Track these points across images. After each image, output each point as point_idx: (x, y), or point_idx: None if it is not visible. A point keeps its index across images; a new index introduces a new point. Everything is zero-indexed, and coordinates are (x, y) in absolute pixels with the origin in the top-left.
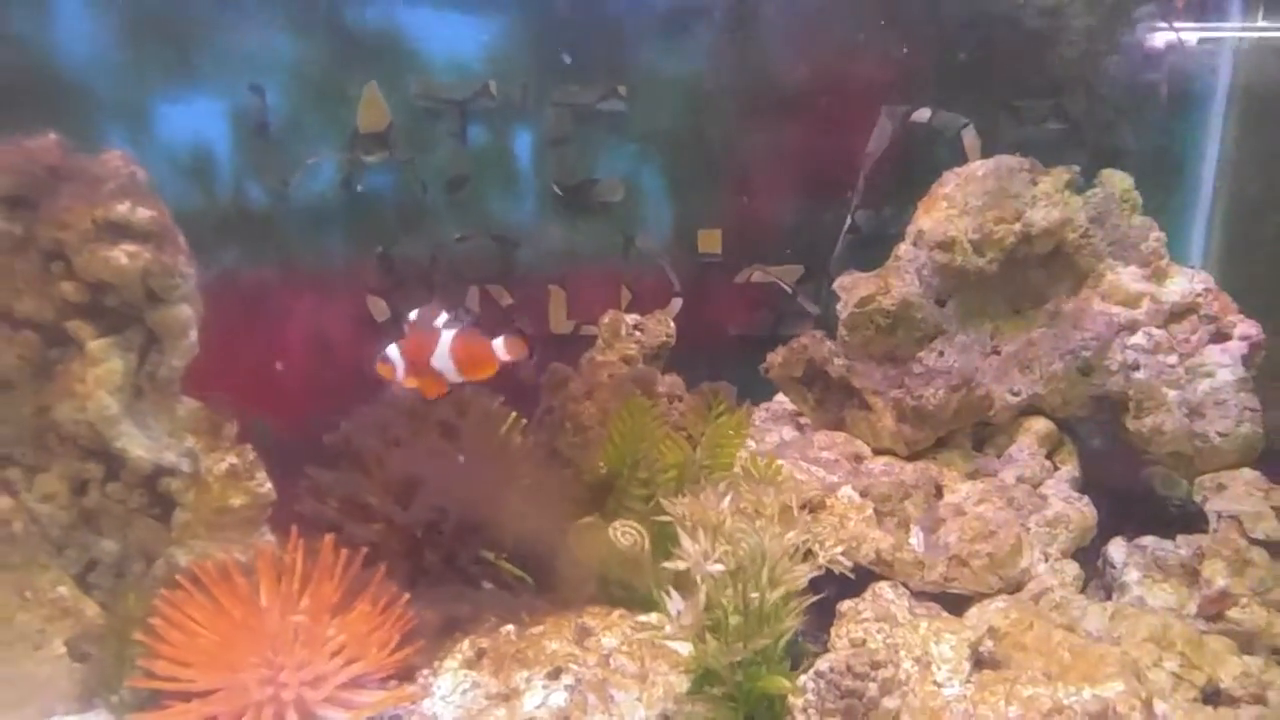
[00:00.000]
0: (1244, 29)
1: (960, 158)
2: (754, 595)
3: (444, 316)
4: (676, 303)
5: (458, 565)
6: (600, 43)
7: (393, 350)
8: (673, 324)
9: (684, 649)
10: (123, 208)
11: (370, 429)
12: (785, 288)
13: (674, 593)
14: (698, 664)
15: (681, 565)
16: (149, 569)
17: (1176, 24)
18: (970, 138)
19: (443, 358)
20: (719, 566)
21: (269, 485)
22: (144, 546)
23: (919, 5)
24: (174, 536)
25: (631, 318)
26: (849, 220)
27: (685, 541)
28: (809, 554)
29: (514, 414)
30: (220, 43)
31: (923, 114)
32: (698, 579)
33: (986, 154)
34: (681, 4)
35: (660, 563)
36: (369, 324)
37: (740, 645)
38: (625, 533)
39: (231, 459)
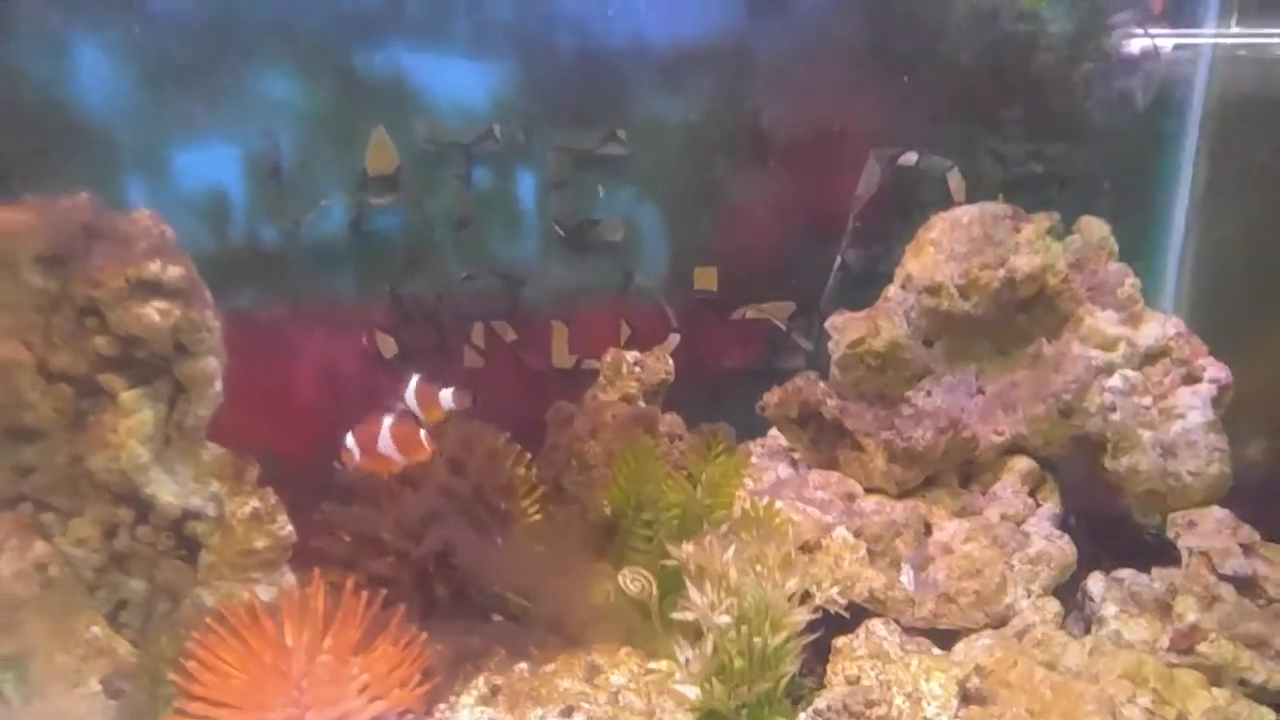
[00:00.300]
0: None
1: (946, 199)
2: (757, 640)
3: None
4: (674, 338)
5: (466, 598)
6: (600, 90)
7: (349, 439)
8: (671, 362)
9: (692, 692)
10: (154, 267)
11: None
12: (778, 324)
13: (682, 641)
14: (704, 705)
15: (690, 616)
16: (175, 608)
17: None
18: (955, 180)
19: (385, 443)
20: (725, 619)
21: (290, 528)
22: (171, 587)
23: (904, 56)
24: (200, 577)
25: (632, 355)
26: (839, 259)
27: (693, 594)
28: (806, 595)
29: (520, 450)
30: (234, 90)
31: (910, 157)
32: (704, 628)
33: (970, 195)
34: (679, 54)
35: (666, 605)
36: (378, 360)
37: (745, 689)
38: (634, 579)
39: (254, 503)
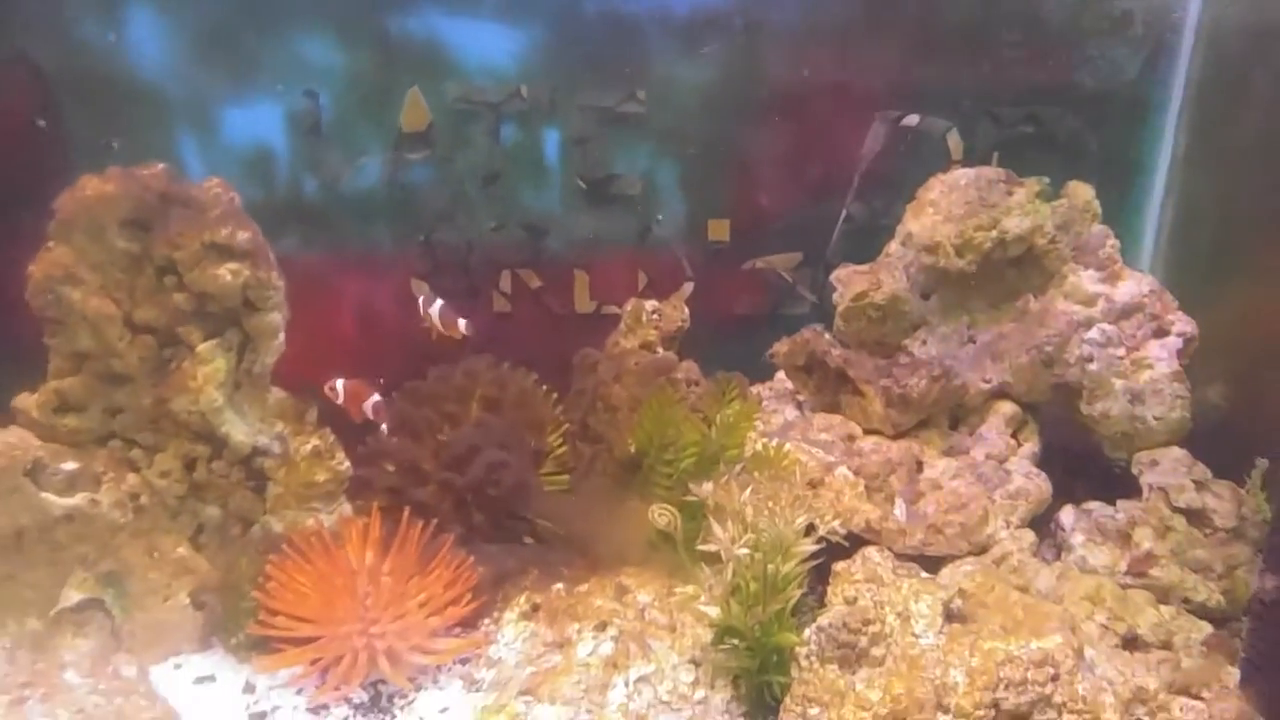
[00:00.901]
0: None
1: (945, 157)
2: (770, 567)
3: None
4: (688, 286)
5: (500, 524)
6: (621, 51)
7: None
8: (686, 310)
9: (713, 611)
10: (226, 231)
11: (420, 401)
12: (785, 275)
13: (705, 568)
14: (723, 621)
15: (713, 548)
16: (246, 533)
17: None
18: (954, 139)
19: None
20: (744, 550)
21: (346, 463)
22: (242, 514)
23: (910, 23)
24: (268, 507)
25: (651, 304)
26: (844, 213)
27: (716, 529)
28: (811, 527)
29: (546, 390)
30: (278, 53)
31: (912, 119)
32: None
33: (968, 153)
34: (696, 17)
35: (686, 534)
36: (412, 304)
37: (759, 609)
38: (661, 513)
39: (315, 441)
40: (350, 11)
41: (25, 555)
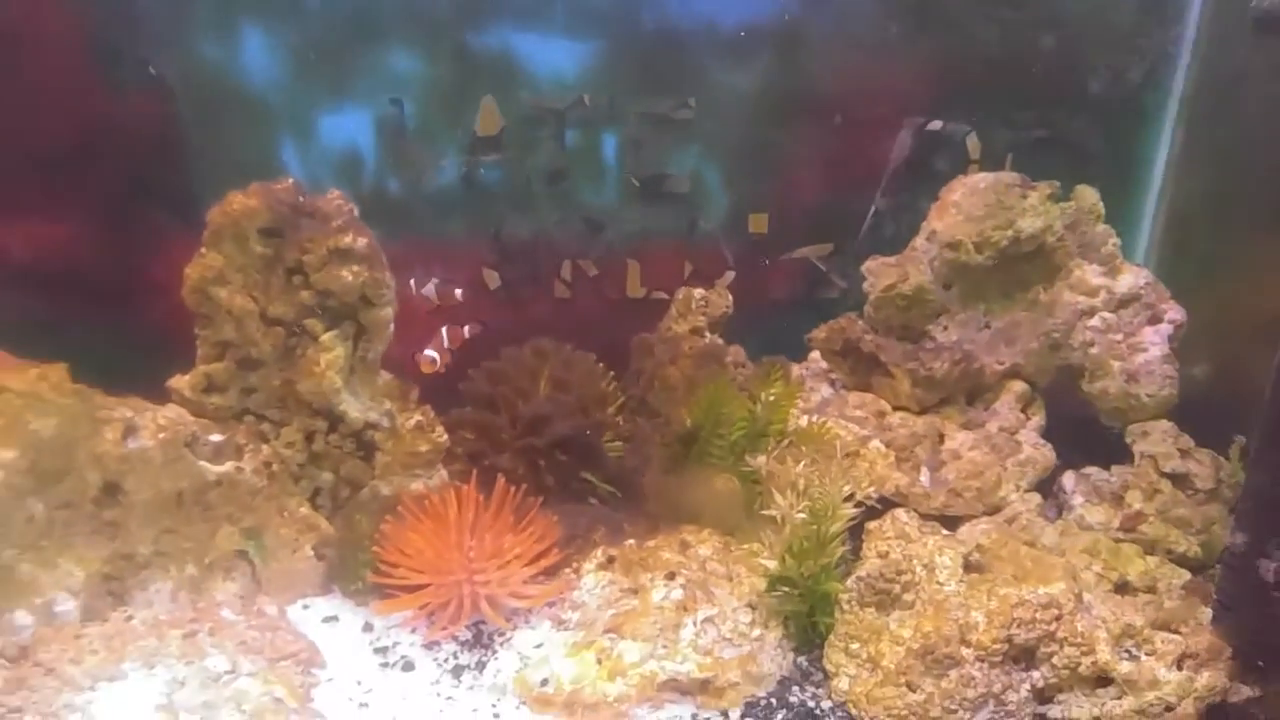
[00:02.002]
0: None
1: (964, 158)
2: (819, 528)
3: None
4: (730, 274)
5: (568, 486)
6: (673, 63)
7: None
8: (730, 297)
9: (771, 564)
10: (348, 239)
11: (495, 378)
12: (818, 264)
13: (764, 529)
14: (779, 573)
15: (774, 513)
16: (354, 495)
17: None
18: (972, 142)
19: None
20: (801, 515)
21: (445, 435)
22: (352, 479)
23: (933, 37)
24: (377, 473)
25: (699, 293)
26: (873, 208)
27: (777, 497)
28: (850, 494)
29: (605, 368)
30: (367, 65)
31: (935, 124)
32: (781, 520)
33: (985, 155)
34: (740, 34)
35: (748, 502)
36: (484, 290)
37: (811, 563)
38: (725, 481)
39: (418, 416)
40: (432, 28)
41: (184, 512)
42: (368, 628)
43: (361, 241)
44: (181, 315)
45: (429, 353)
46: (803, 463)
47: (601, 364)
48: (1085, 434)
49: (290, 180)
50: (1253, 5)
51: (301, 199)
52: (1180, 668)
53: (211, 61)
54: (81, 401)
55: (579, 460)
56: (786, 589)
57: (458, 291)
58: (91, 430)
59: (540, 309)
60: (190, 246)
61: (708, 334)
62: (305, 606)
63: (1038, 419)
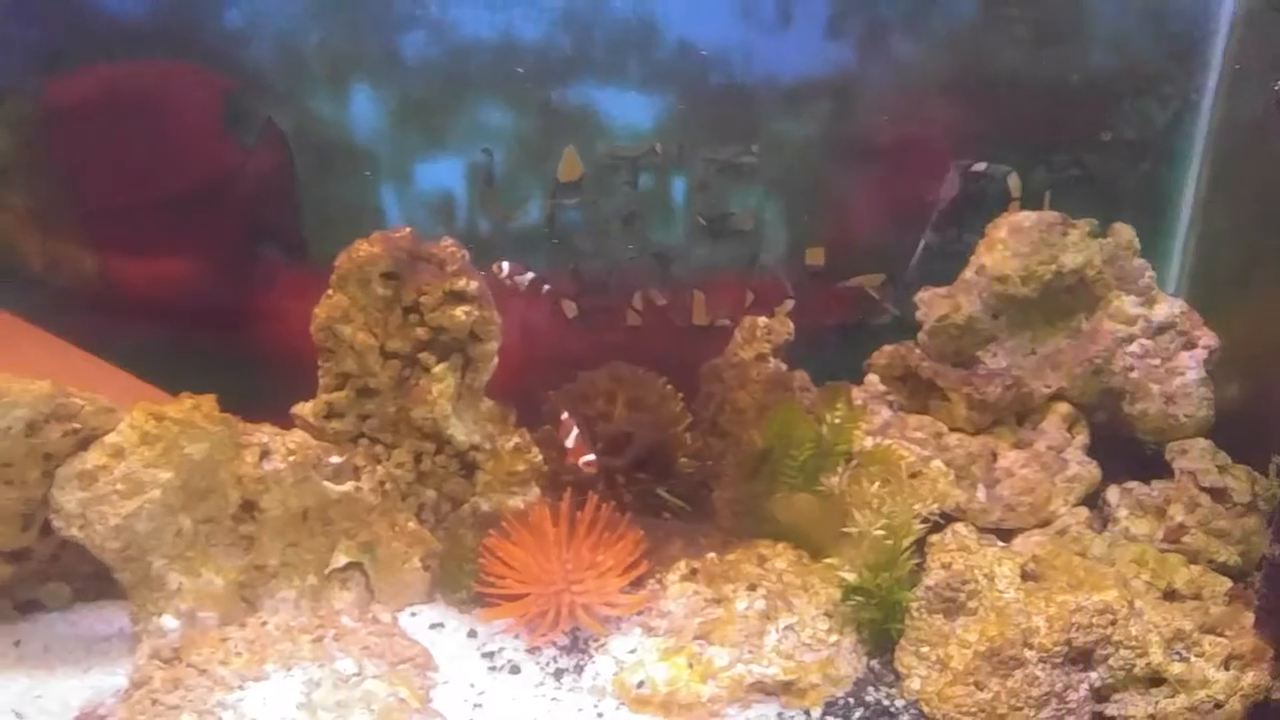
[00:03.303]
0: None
1: (1006, 196)
2: (892, 543)
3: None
4: (789, 303)
5: (645, 502)
6: (738, 113)
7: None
8: (791, 324)
9: (850, 576)
10: (462, 282)
11: (574, 399)
12: (871, 293)
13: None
14: (856, 583)
15: (855, 530)
16: (454, 510)
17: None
18: (1013, 181)
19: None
20: (880, 532)
21: (540, 456)
22: (454, 496)
23: (977, 85)
24: (478, 490)
25: (762, 320)
26: (923, 242)
27: (856, 515)
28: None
29: (675, 391)
30: (461, 118)
31: (980, 165)
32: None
33: (1025, 193)
34: (798, 87)
35: (825, 519)
36: (563, 319)
37: (887, 575)
38: (805, 500)
39: (516, 439)
40: (519, 85)
41: (308, 527)
42: (472, 634)
43: (473, 284)
44: (288, 344)
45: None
46: (877, 483)
47: (671, 386)
48: (1125, 452)
49: (408, 229)
50: (1276, 88)
51: (417, 245)
52: (1227, 668)
53: (323, 116)
54: (228, 428)
55: (656, 477)
56: (861, 598)
57: (545, 287)
58: (234, 454)
59: (613, 336)
60: (299, 284)
61: (772, 359)
62: (413, 614)
63: (1082, 438)
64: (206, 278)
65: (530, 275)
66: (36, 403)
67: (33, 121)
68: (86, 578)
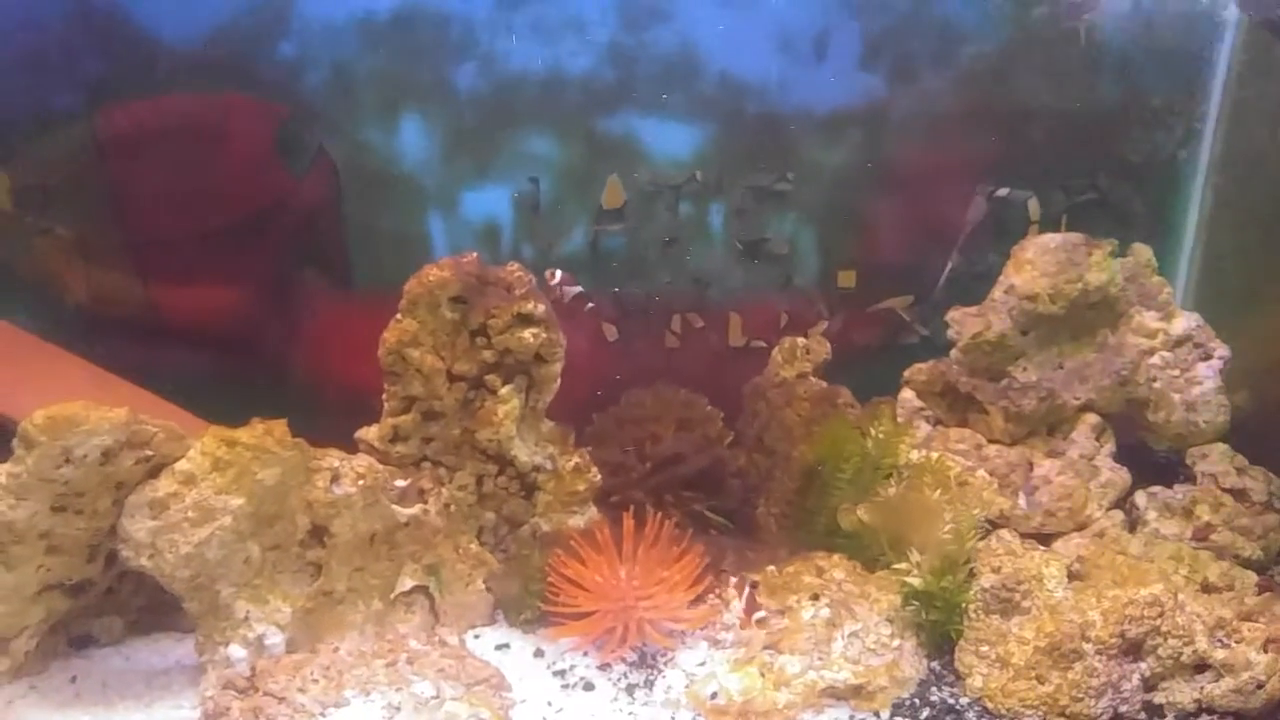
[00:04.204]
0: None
1: (1026, 220)
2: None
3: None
4: (822, 324)
5: (690, 519)
6: (774, 142)
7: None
8: (828, 344)
9: (917, 581)
10: (530, 306)
11: (621, 420)
12: (901, 313)
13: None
14: (919, 586)
15: (919, 535)
16: (513, 532)
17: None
18: (1033, 205)
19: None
20: (947, 538)
21: (599, 475)
22: (513, 518)
23: (999, 116)
24: (538, 511)
25: (801, 341)
26: (949, 263)
27: (925, 521)
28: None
29: (716, 411)
30: (509, 148)
31: (1003, 190)
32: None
33: (1044, 217)
34: (831, 117)
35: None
36: (604, 342)
37: (951, 579)
38: (865, 511)
39: (576, 459)
40: (564, 115)
41: (374, 551)
42: (539, 653)
43: (541, 308)
44: (335, 366)
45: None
46: (939, 491)
47: (711, 405)
48: (1151, 458)
49: (474, 254)
50: None
51: (484, 270)
52: (1266, 651)
53: (373, 146)
54: (300, 453)
55: (704, 495)
56: (921, 602)
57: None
58: (305, 478)
59: (652, 358)
60: (346, 310)
61: (811, 377)
62: (476, 636)
63: (1109, 446)
64: (255, 306)
65: (578, 289)
66: (114, 430)
67: (88, 150)
68: (140, 610)
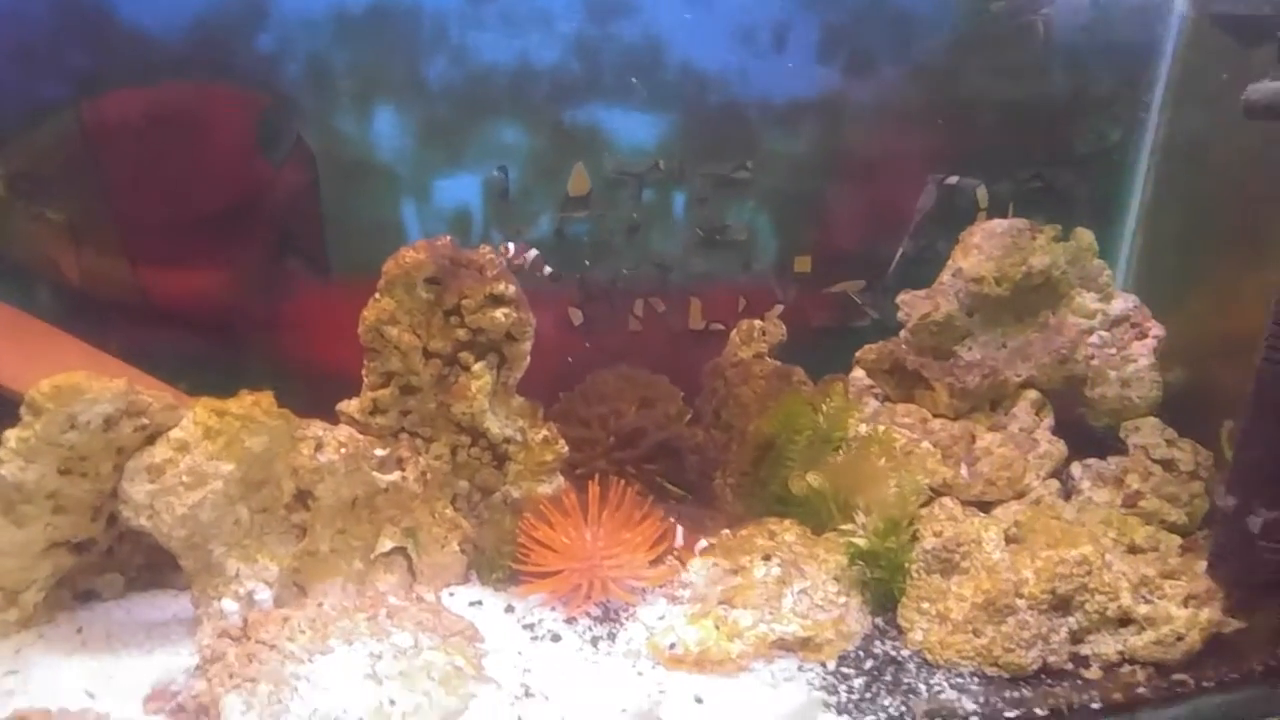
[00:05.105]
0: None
1: (975, 207)
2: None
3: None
4: (778, 308)
5: (651, 489)
6: (734, 132)
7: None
8: (784, 326)
9: (863, 542)
10: (501, 286)
11: (587, 398)
12: (854, 297)
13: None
14: (864, 547)
15: (864, 498)
16: (485, 499)
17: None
18: (982, 193)
19: None
20: (892, 500)
21: (566, 447)
22: (485, 486)
23: (949, 108)
24: (509, 479)
25: (758, 323)
26: (900, 250)
27: (871, 486)
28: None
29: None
30: (479, 138)
31: (952, 179)
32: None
33: (992, 203)
34: (788, 108)
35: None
36: (569, 325)
37: (893, 539)
38: (814, 478)
39: (545, 432)
40: (532, 107)
41: (355, 515)
42: (509, 609)
43: (511, 289)
44: (310, 347)
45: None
46: (883, 459)
47: (671, 384)
48: (1086, 431)
49: (448, 237)
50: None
51: (457, 253)
52: (1186, 606)
53: (348, 135)
54: (286, 422)
55: (664, 467)
56: (866, 562)
57: (548, 269)
58: (291, 446)
59: (616, 340)
60: (323, 293)
61: (767, 357)
62: (451, 594)
63: (1048, 420)
64: (236, 287)
65: (534, 253)
66: (115, 399)
67: (76, 138)
68: (139, 568)
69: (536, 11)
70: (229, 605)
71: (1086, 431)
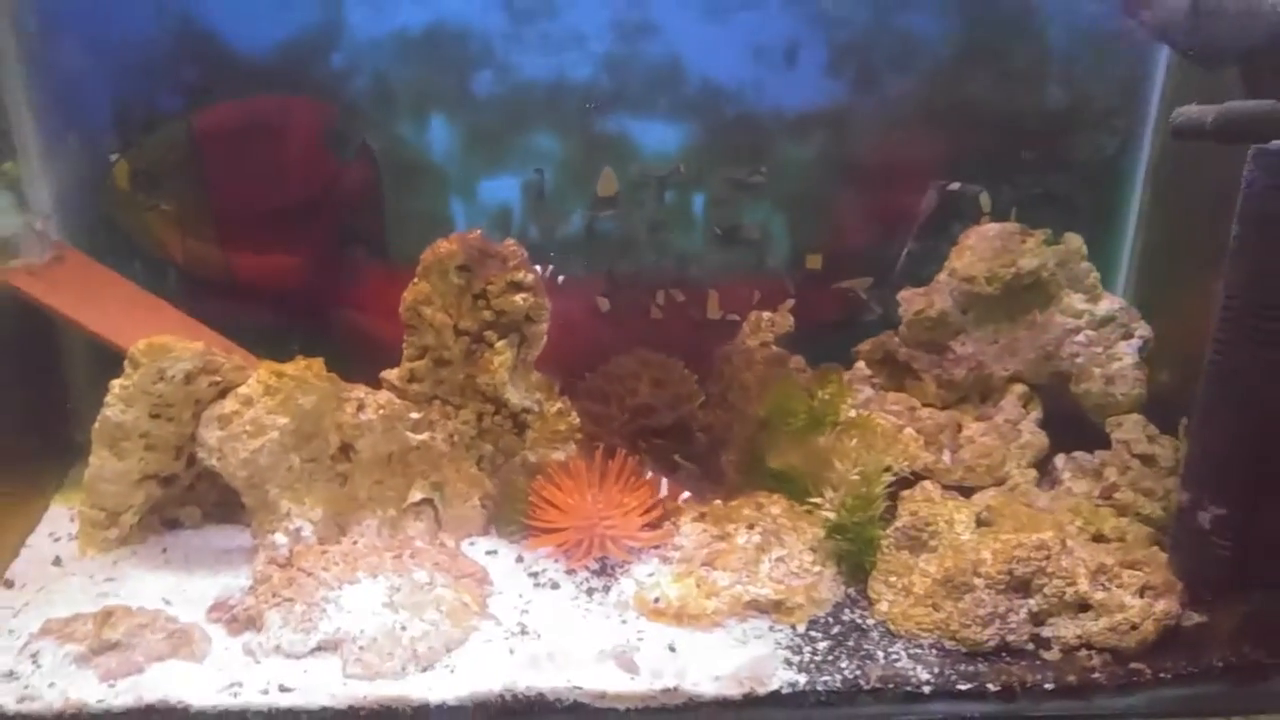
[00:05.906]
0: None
1: (978, 211)
2: (865, 490)
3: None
4: (790, 301)
5: (657, 460)
6: (750, 139)
7: None
8: (791, 318)
9: (831, 515)
10: (520, 274)
11: (608, 378)
12: (861, 294)
13: (827, 490)
14: (836, 521)
15: (833, 477)
16: (507, 461)
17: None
18: (984, 198)
19: None
20: (856, 478)
21: (578, 419)
22: (507, 450)
23: (955, 118)
24: (527, 445)
25: (766, 315)
26: (906, 250)
27: (836, 464)
28: (889, 468)
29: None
30: (519, 144)
31: (955, 185)
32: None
33: (995, 209)
34: (801, 117)
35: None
36: (598, 313)
37: (862, 513)
38: (798, 457)
39: (559, 404)
40: (567, 116)
41: (390, 469)
42: (519, 559)
43: (530, 277)
44: (369, 323)
45: None
46: (855, 440)
47: (687, 369)
48: (1071, 425)
49: (478, 231)
50: (1171, 118)
51: (486, 244)
52: (1142, 596)
53: (406, 141)
54: (332, 384)
55: (673, 442)
56: (841, 536)
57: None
58: (336, 405)
59: (640, 327)
60: (383, 277)
61: (774, 347)
62: (471, 543)
63: (1035, 413)
64: (310, 271)
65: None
66: (194, 358)
67: (186, 143)
68: (214, 504)
69: (571, 33)
70: (279, 538)
71: (1082, 428)
